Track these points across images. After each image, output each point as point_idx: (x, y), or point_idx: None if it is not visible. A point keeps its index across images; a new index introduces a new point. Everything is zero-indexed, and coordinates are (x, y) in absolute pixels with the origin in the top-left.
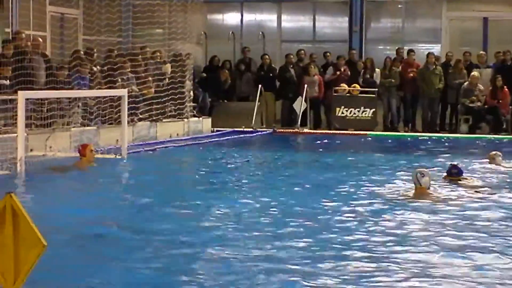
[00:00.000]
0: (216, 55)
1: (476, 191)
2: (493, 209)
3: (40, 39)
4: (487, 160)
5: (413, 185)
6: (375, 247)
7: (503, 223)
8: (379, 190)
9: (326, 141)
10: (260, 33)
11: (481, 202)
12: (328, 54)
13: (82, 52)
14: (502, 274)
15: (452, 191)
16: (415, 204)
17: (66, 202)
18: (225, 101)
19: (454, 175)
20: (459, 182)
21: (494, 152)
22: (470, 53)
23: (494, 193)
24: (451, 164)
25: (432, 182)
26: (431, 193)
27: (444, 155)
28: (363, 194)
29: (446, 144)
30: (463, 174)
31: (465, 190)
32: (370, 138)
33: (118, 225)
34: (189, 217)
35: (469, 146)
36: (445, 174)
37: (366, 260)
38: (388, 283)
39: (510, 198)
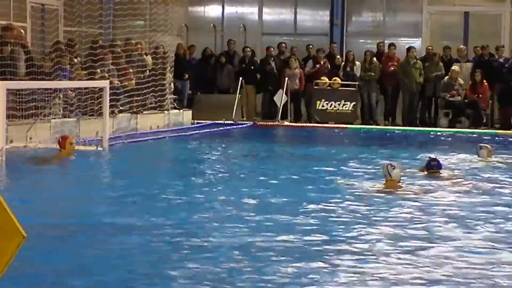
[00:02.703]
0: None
1: (451, 183)
2: (466, 202)
3: (22, 30)
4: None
5: (384, 177)
6: (333, 237)
7: (470, 216)
8: (352, 182)
9: (306, 134)
10: (241, 25)
11: (455, 195)
12: (310, 47)
13: (62, 44)
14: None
15: (426, 183)
16: (383, 196)
17: (45, 194)
18: (198, 93)
19: (433, 168)
20: (437, 175)
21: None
22: (450, 48)
23: (470, 187)
24: (429, 157)
25: (406, 174)
26: (401, 186)
27: (424, 149)
28: (336, 186)
29: (426, 137)
30: (442, 168)
31: (440, 183)
32: (350, 131)
33: (96, 218)
34: (168, 210)
35: (449, 140)
36: (422, 166)
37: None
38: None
39: (486, 191)
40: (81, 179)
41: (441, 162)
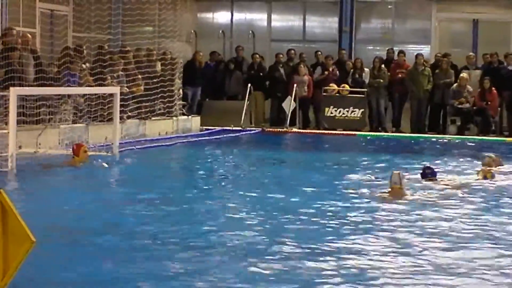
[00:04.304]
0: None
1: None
2: (466, 211)
3: (30, 35)
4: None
5: (390, 184)
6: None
7: (467, 223)
8: (358, 189)
9: (314, 140)
10: (250, 32)
11: (455, 204)
12: (319, 53)
13: (71, 49)
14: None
15: (426, 191)
16: (390, 203)
17: (56, 199)
18: (207, 99)
19: (428, 177)
20: (435, 183)
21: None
22: (451, 54)
23: (469, 194)
24: (424, 166)
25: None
26: (406, 194)
27: (431, 156)
28: (341, 193)
29: (434, 145)
30: (437, 175)
31: (441, 191)
32: (358, 138)
33: (107, 224)
34: (178, 215)
35: (457, 147)
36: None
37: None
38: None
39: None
40: (92, 184)
41: (435, 170)
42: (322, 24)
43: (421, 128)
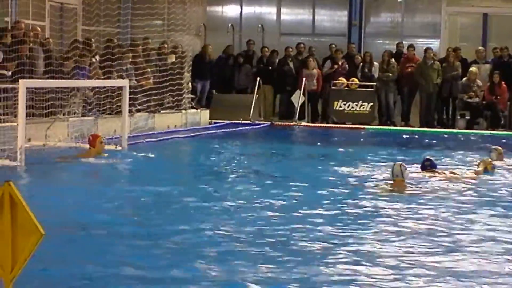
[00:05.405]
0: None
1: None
2: (461, 204)
3: (39, 28)
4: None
5: (392, 177)
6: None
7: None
8: (362, 182)
9: (323, 134)
10: (259, 25)
11: (453, 197)
12: (333, 46)
13: (80, 42)
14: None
15: (428, 183)
16: (393, 195)
17: (67, 192)
18: (215, 92)
19: (427, 168)
20: (435, 175)
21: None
22: (460, 49)
23: (467, 188)
24: (424, 157)
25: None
26: (408, 186)
27: (439, 150)
28: (345, 185)
29: (443, 139)
30: (437, 167)
31: (442, 184)
32: (367, 132)
33: (117, 218)
34: (186, 210)
35: (466, 141)
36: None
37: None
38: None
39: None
40: (101, 178)
41: (434, 161)
42: (331, 18)
43: (430, 122)
